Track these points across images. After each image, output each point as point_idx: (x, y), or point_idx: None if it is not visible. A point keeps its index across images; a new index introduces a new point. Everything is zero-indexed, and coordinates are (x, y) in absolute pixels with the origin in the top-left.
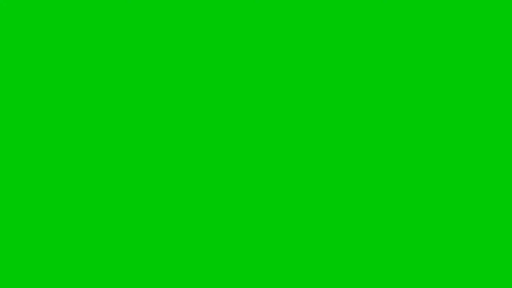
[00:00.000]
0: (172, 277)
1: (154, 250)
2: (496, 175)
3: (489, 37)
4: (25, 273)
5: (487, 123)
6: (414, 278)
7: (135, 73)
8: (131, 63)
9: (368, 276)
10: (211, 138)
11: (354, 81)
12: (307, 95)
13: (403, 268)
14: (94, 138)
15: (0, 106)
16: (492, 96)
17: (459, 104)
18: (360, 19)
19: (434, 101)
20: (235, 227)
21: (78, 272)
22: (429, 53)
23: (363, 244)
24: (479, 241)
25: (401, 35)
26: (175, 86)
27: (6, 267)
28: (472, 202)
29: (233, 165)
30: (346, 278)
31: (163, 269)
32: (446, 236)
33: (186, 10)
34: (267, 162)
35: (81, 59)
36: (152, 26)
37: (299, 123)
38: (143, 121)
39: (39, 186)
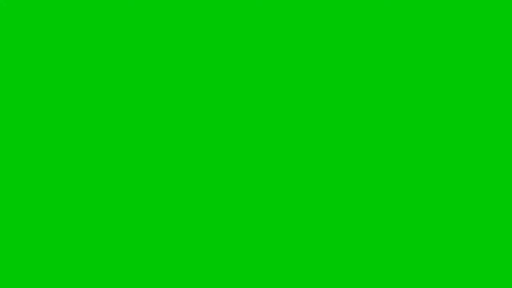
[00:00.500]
0: (172, 277)
1: (154, 250)
2: (496, 175)
3: (489, 37)
4: (25, 273)
5: (487, 123)
6: (414, 278)
7: (135, 73)
8: (131, 63)
9: (368, 276)
10: (211, 138)
11: (354, 81)
12: (307, 95)
13: (403, 268)
14: (94, 138)
15: (0, 106)
16: (492, 96)
17: (459, 104)
18: (360, 19)
19: (434, 101)
20: (235, 227)
21: (78, 272)
22: (429, 53)
23: (363, 244)
24: (479, 241)
25: (401, 35)
26: (175, 86)
27: (6, 267)
28: (472, 202)
29: (233, 165)
30: (346, 278)
31: (163, 269)
32: (446, 236)
33: (186, 10)
34: (267, 162)
35: (81, 59)
36: (152, 26)
37: (299, 123)
38: (143, 121)
39: (39, 186)
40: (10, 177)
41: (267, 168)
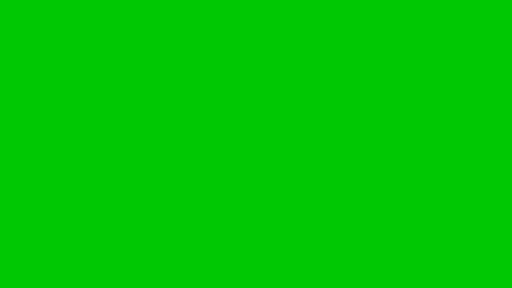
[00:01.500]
0: (172, 277)
1: (154, 250)
2: (496, 175)
3: (489, 37)
4: (25, 273)
5: (487, 123)
6: (414, 278)
7: (135, 73)
8: (131, 63)
9: (368, 276)
10: (211, 138)
11: (354, 81)
12: (307, 95)
13: (403, 268)
14: (94, 138)
15: (0, 106)
16: (492, 96)
17: (459, 104)
18: (360, 19)
19: (434, 101)
20: (235, 227)
21: (78, 272)
22: (429, 53)
23: (363, 244)
24: (479, 241)
25: (401, 35)
26: (175, 86)
27: (6, 267)
28: (472, 202)
29: (233, 165)
30: (346, 278)
31: (163, 269)
32: (446, 236)
33: (186, 10)
34: (267, 162)
35: (81, 59)
36: (152, 26)
37: (299, 123)
38: (143, 121)
39: (39, 186)
40: (10, 177)
41: (267, 168)
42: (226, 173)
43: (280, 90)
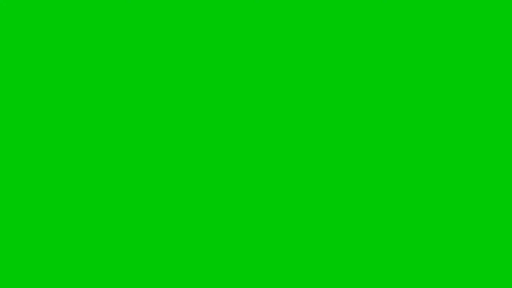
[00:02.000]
0: (172, 277)
1: (154, 250)
2: (496, 175)
3: (489, 37)
4: (25, 273)
5: (487, 123)
6: (414, 278)
7: (135, 73)
8: (131, 63)
9: (368, 276)
10: (211, 138)
11: (354, 81)
12: (307, 95)
13: (403, 268)
14: (94, 138)
15: (0, 106)
16: (492, 96)
17: (459, 104)
18: (360, 19)
19: (434, 101)
20: (235, 227)
21: (78, 272)
22: (429, 53)
23: (363, 244)
24: (479, 241)
25: (401, 35)
26: (175, 86)
27: (6, 267)
28: (472, 202)
29: (233, 165)
30: (346, 278)
31: (163, 269)
32: (446, 236)
33: (186, 10)
34: (267, 162)
35: (81, 59)
36: (152, 26)
37: (299, 123)
38: (143, 121)
39: (39, 186)
40: (10, 177)
41: (267, 168)
42: (226, 173)
43: (280, 90)
